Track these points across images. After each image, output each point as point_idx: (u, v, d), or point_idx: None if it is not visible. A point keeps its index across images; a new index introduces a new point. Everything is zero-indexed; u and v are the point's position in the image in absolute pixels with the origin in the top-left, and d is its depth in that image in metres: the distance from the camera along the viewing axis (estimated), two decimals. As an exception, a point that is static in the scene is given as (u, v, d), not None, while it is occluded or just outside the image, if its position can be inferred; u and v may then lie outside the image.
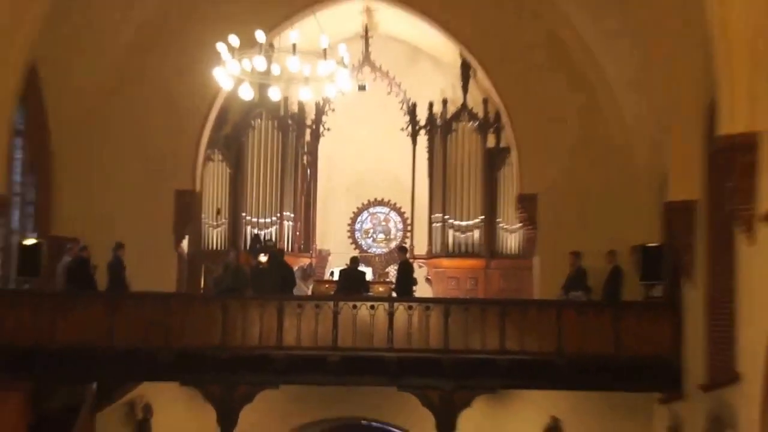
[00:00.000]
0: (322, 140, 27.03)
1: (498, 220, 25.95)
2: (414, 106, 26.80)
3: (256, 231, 25.31)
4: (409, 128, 26.71)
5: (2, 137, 20.24)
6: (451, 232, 26.02)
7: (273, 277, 21.72)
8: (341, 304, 20.62)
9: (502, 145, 25.87)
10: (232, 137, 26.21)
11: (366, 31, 26.95)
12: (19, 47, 19.97)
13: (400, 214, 28.22)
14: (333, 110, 26.01)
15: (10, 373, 20.11)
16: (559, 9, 23.22)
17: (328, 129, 26.85)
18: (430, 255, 26.17)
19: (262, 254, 22.72)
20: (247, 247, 24.35)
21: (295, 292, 24.04)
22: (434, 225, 26.22)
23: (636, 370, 20.20)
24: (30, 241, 21.32)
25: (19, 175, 22.18)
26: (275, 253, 23.22)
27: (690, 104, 19.20)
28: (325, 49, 17.08)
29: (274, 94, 18.15)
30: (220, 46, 16.60)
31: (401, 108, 26.84)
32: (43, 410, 20.18)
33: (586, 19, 22.71)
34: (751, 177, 15.60)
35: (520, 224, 25.16)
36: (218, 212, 25.52)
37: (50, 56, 21.67)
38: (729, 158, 15.92)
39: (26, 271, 20.83)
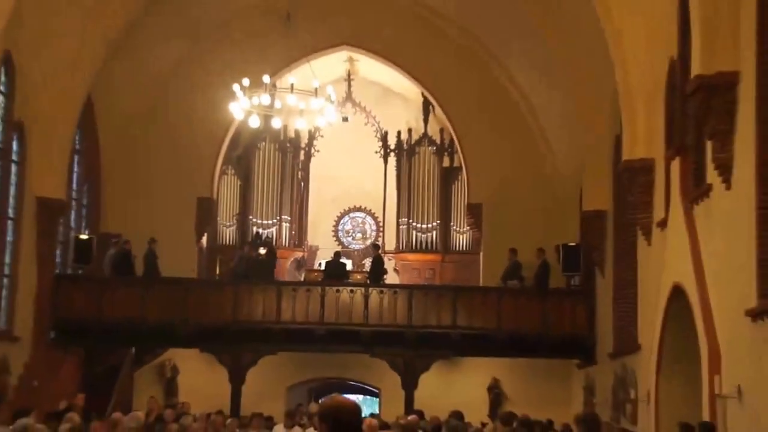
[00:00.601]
0: (313, 160, 26.74)
1: (451, 224, 25.79)
2: (386, 134, 26.56)
3: (258, 230, 25.07)
4: (382, 151, 26.39)
5: (65, 155, 20.45)
6: (414, 232, 25.84)
7: (268, 265, 21.99)
8: (327, 288, 20.71)
9: (455, 164, 25.71)
10: (242, 156, 26.03)
11: (348, 75, 26.64)
12: (79, 84, 20.09)
13: (374, 218, 27.87)
14: (322, 136, 25.60)
15: (66, 341, 20.28)
16: (501, 61, 23.20)
17: (318, 151, 26.58)
18: (398, 250, 25.95)
19: (262, 248, 22.80)
20: (251, 242, 24.37)
21: (289, 278, 24.27)
22: (401, 227, 26.00)
23: (559, 341, 20.32)
24: (83, 236, 21.47)
25: (75, 183, 22.20)
26: (272, 247, 23.42)
27: (601, 136, 19.26)
28: (316, 89, 17.19)
29: (276, 123, 18.25)
30: (235, 86, 16.71)
31: (375, 135, 26.57)
32: (92, 370, 20.13)
33: (522, 70, 22.78)
34: (648, 193, 15.83)
35: (469, 227, 25.05)
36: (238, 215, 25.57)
37: (102, 89, 21.63)
38: (631, 178, 16.11)
39: (80, 260, 20.94)
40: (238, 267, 22.03)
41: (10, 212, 19.14)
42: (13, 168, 19.27)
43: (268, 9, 21.34)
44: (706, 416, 12.17)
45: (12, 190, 19.19)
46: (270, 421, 16.50)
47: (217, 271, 24.69)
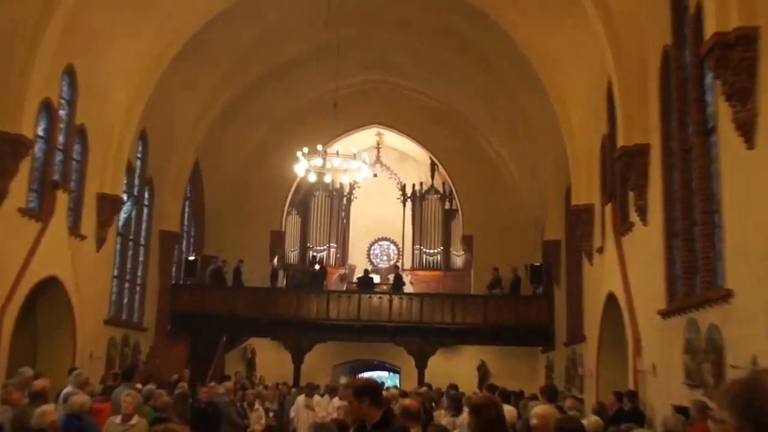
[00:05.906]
0: (352, 204, 26.75)
1: (451, 249, 25.62)
2: (404, 185, 26.48)
3: (313, 253, 25.03)
4: (401, 198, 26.31)
5: (179, 201, 20.74)
6: (424, 255, 25.68)
7: (321, 277, 22.08)
8: (362, 295, 20.75)
9: (453, 207, 25.51)
10: (302, 201, 25.86)
11: (378, 144, 26.72)
12: (191, 153, 20.49)
13: (396, 245, 27.62)
14: (359, 187, 25.33)
15: (179, 331, 20.38)
16: (485, 135, 23.17)
17: (356, 197, 26.52)
18: (412, 268, 25.67)
19: (317, 265, 22.93)
20: (308, 261, 24.48)
21: (335, 288, 24.19)
22: (415, 251, 25.82)
23: (528, 333, 20.22)
24: (191, 257, 21.67)
25: (186, 220, 22.35)
26: (323, 265, 23.47)
27: (555, 186, 19.25)
28: (355, 154, 17.27)
29: (327, 178, 18.23)
30: (298, 153, 16.82)
31: (397, 187, 26.57)
32: (196, 351, 20.01)
33: (500, 143, 22.79)
34: (590, 228, 15.91)
35: (463, 252, 24.89)
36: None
37: (205, 155, 21.89)
38: (578, 217, 16.20)
39: (189, 274, 21.11)
40: (299, 280, 22.27)
41: (142, 240, 19.56)
42: (145, 210, 19.69)
43: (322, 100, 21.38)
44: (631, 386, 12.26)
45: (144, 225, 19.61)
46: (317, 389, 14.41)
47: (285, 282, 24.76)
